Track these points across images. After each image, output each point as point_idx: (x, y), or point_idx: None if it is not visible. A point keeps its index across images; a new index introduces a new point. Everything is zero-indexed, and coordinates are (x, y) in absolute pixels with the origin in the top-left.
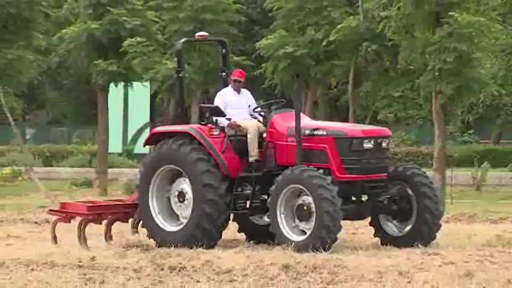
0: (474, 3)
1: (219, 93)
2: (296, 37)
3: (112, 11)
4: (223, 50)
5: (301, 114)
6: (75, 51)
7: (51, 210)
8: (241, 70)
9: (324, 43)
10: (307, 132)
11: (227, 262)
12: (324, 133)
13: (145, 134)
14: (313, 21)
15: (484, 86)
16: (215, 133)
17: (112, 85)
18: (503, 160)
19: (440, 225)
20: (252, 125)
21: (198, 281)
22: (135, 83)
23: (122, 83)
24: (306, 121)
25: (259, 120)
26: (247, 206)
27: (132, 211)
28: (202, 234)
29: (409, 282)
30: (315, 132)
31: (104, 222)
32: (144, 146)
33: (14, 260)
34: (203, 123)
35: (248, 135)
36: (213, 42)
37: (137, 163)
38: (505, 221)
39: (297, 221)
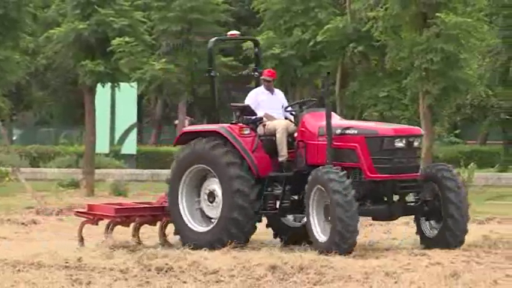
0: (461, 4)
1: (250, 93)
2: (283, 38)
3: (100, 11)
4: (256, 49)
5: (332, 113)
6: (62, 51)
7: (77, 211)
8: (271, 70)
9: (311, 43)
10: (338, 131)
11: (214, 263)
12: (355, 132)
13: (133, 134)
14: (300, 22)
15: (471, 86)
16: (246, 132)
17: (99, 86)
18: (489, 161)
19: (465, 232)
20: (280, 125)
21: (184, 282)
22: (122, 84)
23: (109, 84)
24: (337, 120)
25: (290, 120)
26: (277, 206)
27: (161, 214)
28: (229, 238)
29: (395, 282)
30: (346, 132)
31: (132, 224)
32: (175, 145)
33: (1, 260)
34: (233, 122)
35: (277, 135)
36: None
37: (124, 164)
38: (491, 222)
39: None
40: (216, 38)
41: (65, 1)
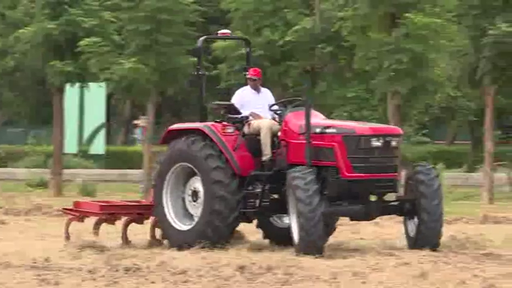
0: (430, 4)
1: (237, 92)
2: (252, 38)
3: (69, 11)
4: (247, 49)
5: (315, 112)
6: (31, 51)
7: (65, 208)
8: (256, 68)
9: (280, 44)
10: (318, 130)
11: (182, 263)
12: (334, 131)
13: (101, 134)
14: (270, 23)
15: (439, 87)
16: (229, 131)
17: (68, 86)
18: (457, 161)
19: (441, 226)
20: (264, 124)
21: (153, 282)
22: (91, 84)
23: (78, 84)
24: (318, 119)
25: (275, 119)
26: (257, 205)
27: (148, 213)
28: (213, 231)
29: (363, 282)
30: (325, 131)
31: (121, 223)
32: (160, 144)
33: None
34: (218, 120)
35: (261, 134)
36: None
37: (93, 164)
38: (459, 222)
39: None
40: (205, 36)
41: (33, 1)
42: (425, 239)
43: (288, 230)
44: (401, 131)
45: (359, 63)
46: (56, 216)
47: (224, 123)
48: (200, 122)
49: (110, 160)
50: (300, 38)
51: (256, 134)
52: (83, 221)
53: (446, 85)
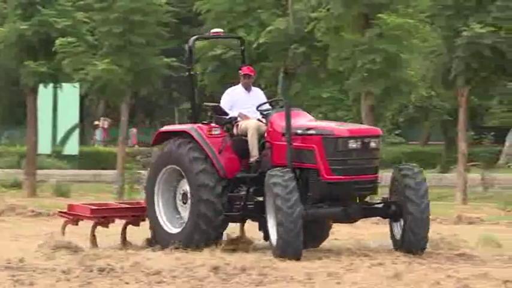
0: (403, 5)
1: (227, 91)
2: (226, 39)
3: (42, 11)
4: (242, 47)
5: (303, 112)
6: (4, 52)
7: (60, 211)
8: (249, 67)
9: (254, 45)
10: (299, 131)
11: (156, 263)
12: (314, 133)
13: (75, 135)
14: (244, 23)
15: (413, 87)
16: (215, 132)
17: (41, 86)
18: (431, 161)
19: (427, 230)
20: (251, 125)
21: (127, 283)
22: (64, 84)
23: (52, 84)
24: (303, 120)
25: (260, 120)
26: (242, 207)
27: (143, 214)
28: (200, 235)
29: (338, 283)
30: (307, 132)
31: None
32: (152, 145)
33: None
34: (205, 122)
35: (248, 135)
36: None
37: (66, 164)
38: (433, 222)
39: None
40: (196, 36)
41: (5, 1)
42: (411, 243)
43: None
44: (380, 132)
45: (333, 63)
46: (30, 217)
47: (212, 124)
48: (193, 123)
49: (84, 161)
50: (274, 39)
51: (244, 135)
52: (77, 224)
53: (420, 85)
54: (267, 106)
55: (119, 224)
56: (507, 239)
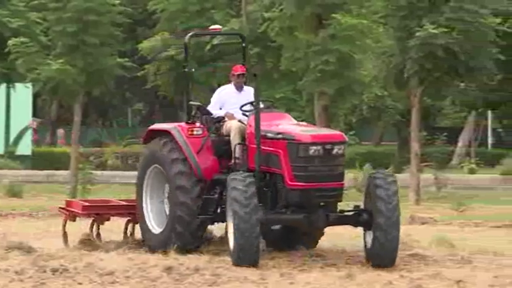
0: (356, 5)
1: (217, 90)
2: (180, 40)
3: None
4: (243, 44)
5: (286, 115)
6: None
7: (60, 207)
8: (242, 65)
9: (208, 47)
10: (270, 135)
11: (109, 264)
12: (281, 137)
13: (28, 135)
14: (197, 23)
15: (366, 87)
16: (196, 133)
17: None
18: (384, 161)
19: (398, 232)
20: (233, 126)
21: (80, 283)
22: (17, 84)
23: (5, 84)
24: (283, 123)
25: (241, 122)
26: (215, 210)
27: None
28: (177, 237)
29: (291, 283)
30: (276, 136)
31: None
32: (143, 143)
33: None
34: (190, 121)
35: (231, 136)
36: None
37: (19, 164)
38: None
39: None
40: (192, 32)
41: None
42: (380, 257)
43: (280, 230)
44: (345, 138)
45: (286, 64)
46: None
47: (197, 124)
48: (186, 120)
49: (37, 161)
50: (228, 39)
51: (229, 135)
52: (74, 220)
53: (373, 85)
54: (251, 107)
55: (121, 221)
56: (460, 239)
